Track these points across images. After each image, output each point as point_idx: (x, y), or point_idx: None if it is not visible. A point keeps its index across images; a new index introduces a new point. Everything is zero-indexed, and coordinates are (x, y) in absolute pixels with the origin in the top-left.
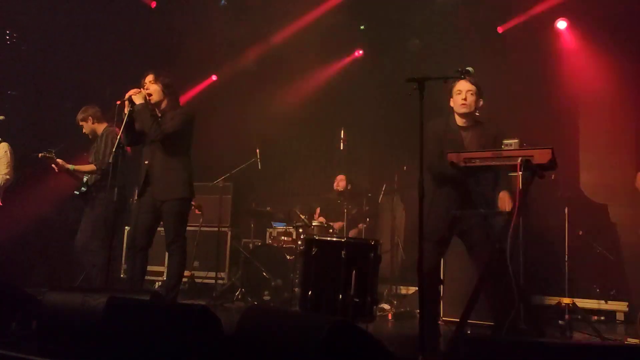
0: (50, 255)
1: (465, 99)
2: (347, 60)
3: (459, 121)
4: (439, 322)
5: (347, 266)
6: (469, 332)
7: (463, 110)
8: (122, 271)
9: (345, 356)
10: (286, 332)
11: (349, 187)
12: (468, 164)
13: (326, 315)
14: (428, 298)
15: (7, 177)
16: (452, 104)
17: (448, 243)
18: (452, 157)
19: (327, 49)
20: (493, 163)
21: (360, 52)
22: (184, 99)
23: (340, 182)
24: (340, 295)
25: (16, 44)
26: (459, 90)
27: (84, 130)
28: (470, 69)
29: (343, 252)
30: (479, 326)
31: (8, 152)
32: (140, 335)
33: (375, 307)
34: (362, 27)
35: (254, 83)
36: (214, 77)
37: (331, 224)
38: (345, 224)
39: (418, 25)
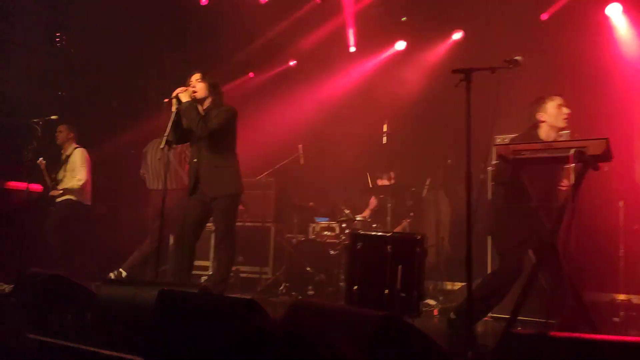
0: (100, 249)
1: (568, 114)
2: (389, 52)
3: (549, 136)
4: (486, 318)
5: (393, 261)
6: (519, 328)
7: (565, 124)
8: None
9: (394, 351)
10: (334, 327)
11: (392, 181)
12: (517, 157)
13: (373, 310)
14: (501, 294)
15: (81, 180)
16: (544, 117)
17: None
18: (500, 149)
19: (369, 41)
20: (544, 155)
21: (403, 44)
22: (226, 96)
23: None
24: (387, 290)
25: (65, 46)
26: (561, 104)
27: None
28: (518, 58)
29: (389, 247)
30: (529, 323)
31: (85, 156)
32: (190, 327)
33: (421, 302)
34: (403, 19)
35: (296, 79)
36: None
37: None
38: (389, 219)
39: (460, 15)
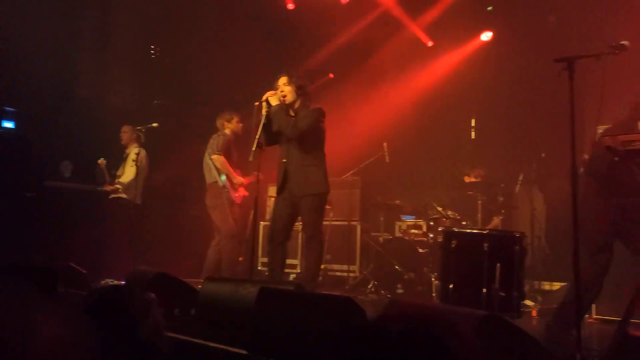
0: (198, 248)
1: None
2: (475, 44)
3: None
4: (590, 320)
5: (491, 259)
6: (631, 331)
7: None
8: (260, 264)
9: (497, 352)
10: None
11: (479, 179)
12: (627, 148)
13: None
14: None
15: (128, 178)
16: None
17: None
18: (607, 140)
19: (453, 34)
20: None
21: (489, 34)
22: (313, 96)
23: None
24: (485, 289)
25: (159, 58)
26: None
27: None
28: (625, 42)
29: (485, 245)
30: None
31: (139, 157)
32: (290, 323)
33: (521, 302)
34: (489, 8)
35: (379, 75)
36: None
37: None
38: (479, 216)
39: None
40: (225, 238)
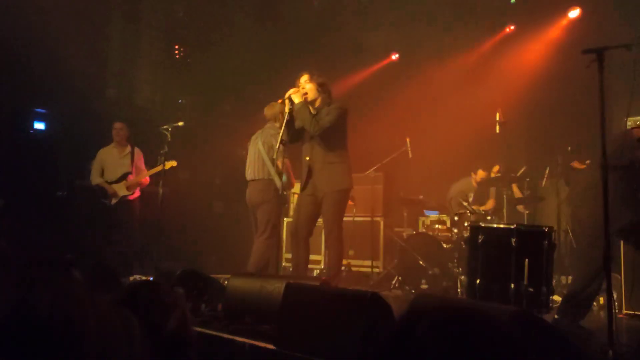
0: (223, 244)
1: None
2: (498, 37)
3: None
4: (620, 315)
5: (519, 254)
6: None
7: None
8: (283, 260)
9: (527, 349)
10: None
11: (500, 173)
12: None
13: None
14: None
15: (148, 177)
16: None
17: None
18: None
19: (475, 27)
20: None
21: (512, 27)
22: (335, 93)
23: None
24: (513, 285)
25: (183, 58)
26: None
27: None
28: None
29: (513, 240)
30: None
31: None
32: (317, 318)
33: (551, 297)
34: (512, 1)
35: (402, 70)
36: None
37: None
38: (505, 210)
39: None
40: (274, 233)
